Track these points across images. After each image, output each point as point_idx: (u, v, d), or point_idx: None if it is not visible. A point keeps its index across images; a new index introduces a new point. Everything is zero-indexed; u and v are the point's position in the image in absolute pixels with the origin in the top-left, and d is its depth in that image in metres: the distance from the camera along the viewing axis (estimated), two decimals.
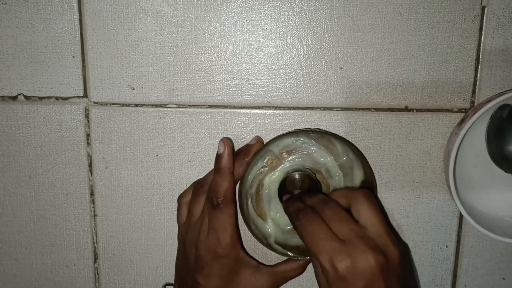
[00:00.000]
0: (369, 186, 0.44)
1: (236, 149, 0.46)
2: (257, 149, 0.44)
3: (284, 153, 0.45)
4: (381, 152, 0.46)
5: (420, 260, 0.49)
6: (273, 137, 0.44)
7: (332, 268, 0.36)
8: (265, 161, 0.45)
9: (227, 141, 0.42)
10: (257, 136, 0.46)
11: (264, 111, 0.46)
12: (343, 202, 0.41)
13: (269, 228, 0.46)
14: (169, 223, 0.48)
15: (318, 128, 0.46)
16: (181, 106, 0.46)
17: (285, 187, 0.45)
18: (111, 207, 0.48)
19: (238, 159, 0.44)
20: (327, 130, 0.46)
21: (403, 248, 0.39)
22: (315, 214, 0.39)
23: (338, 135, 0.45)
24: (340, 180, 0.45)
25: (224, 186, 0.42)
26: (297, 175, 0.45)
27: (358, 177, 0.45)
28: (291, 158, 0.45)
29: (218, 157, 0.42)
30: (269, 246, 0.45)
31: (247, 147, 0.45)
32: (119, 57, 0.45)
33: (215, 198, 0.42)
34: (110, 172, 0.47)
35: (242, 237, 0.46)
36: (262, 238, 0.45)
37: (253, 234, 0.45)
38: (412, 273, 0.41)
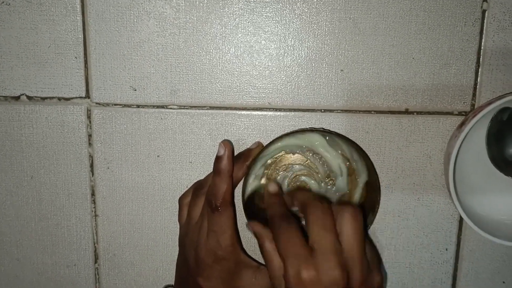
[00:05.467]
0: (373, 187, 0.44)
1: (236, 151, 0.46)
2: (257, 152, 0.44)
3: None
4: (381, 154, 0.46)
5: (420, 263, 0.49)
6: (275, 137, 0.45)
7: (296, 276, 0.36)
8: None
9: (227, 144, 0.42)
10: (258, 141, 0.46)
11: (265, 113, 0.46)
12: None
13: None
14: (170, 224, 0.48)
15: (322, 128, 0.46)
16: (183, 107, 0.46)
17: (253, 207, 0.45)
18: (112, 208, 0.48)
19: (238, 162, 0.44)
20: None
21: (370, 278, 0.38)
22: (294, 222, 0.38)
23: (342, 135, 0.45)
24: (343, 181, 0.45)
25: (223, 188, 0.42)
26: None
27: (362, 178, 0.45)
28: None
29: (218, 159, 0.42)
30: None
31: (247, 151, 0.45)
32: (121, 58, 0.45)
33: (214, 200, 0.42)
34: (111, 173, 0.48)
35: (242, 239, 0.47)
36: None
37: None
38: None
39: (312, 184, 0.45)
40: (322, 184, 0.45)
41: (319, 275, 0.36)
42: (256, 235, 0.40)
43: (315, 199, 0.39)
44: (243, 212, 0.45)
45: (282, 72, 0.45)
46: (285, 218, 0.39)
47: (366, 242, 0.38)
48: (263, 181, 0.46)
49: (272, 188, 0.43)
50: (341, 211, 0.38)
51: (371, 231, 0.48)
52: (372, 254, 0.39)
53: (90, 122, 0.47)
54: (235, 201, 0.45)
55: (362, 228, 0.38)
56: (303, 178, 0.45)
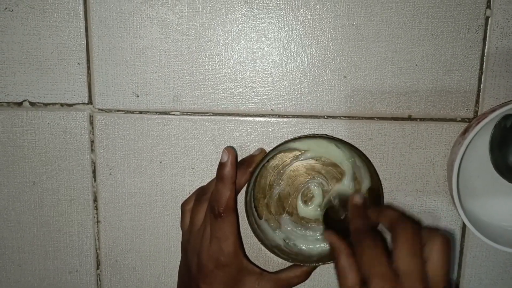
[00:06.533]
0: (376, 194, 0.44)
1: (239, 158, 0.46)
2: (260, 159, 0.44)
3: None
4: (384, 161, 0.46)
5: None
6: (278, 143, 0.45)
7: None
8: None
9: (231, 150, 0.42)
10: (260, 147, 0.46)
11: (268, 119, 0.46)
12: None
13: (276, 232, 0.46)
14: (172, 230, 0.48)
15: (325, 134, 0.46)
16: (185, 113, 0.46)
17: (329, 217, 0.45)
18: (114, 214, 0.48)
19: (241, 168, 0.44)
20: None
21: None
22: (380, 240, 0.37)
23: (345, 141, 0.45)
24: (348, 185, 0.45)
25: (226, 194, 0.42)
26: (337, 201, 0.45)
27: (365, 184, 0.45)
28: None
29: (221, 165, 0.42)
30: (273, 251, 0.45)
31: (250, 157, 0.45)
32: (124, 64, 0.45)
33: (216, 207, 0.42)
34: (113, 179, 0.48)
35: (245, 245, 0.46)
36: (267, 242, 0.45)
37: (259, 239, 0.45)
38: None
39: (315, 189, 0.45)
40: (325, 189, 0.45)
41: None
42: (332, 247, 0.38)
43: (405, 219, 0.37)
44: (245, 218, 0.44)
45: (285, 79, 0.45)
46: (371, 234, 0.38)
47: None
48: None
49: (358, 199, 0.42)
50: (432, 238, 0.36)
51: None
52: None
53: (92, 128, 0.47)
54: (238, 207, 0.45)
55: (450, 259, 0.36)
56: (307, 185, 0.46)
